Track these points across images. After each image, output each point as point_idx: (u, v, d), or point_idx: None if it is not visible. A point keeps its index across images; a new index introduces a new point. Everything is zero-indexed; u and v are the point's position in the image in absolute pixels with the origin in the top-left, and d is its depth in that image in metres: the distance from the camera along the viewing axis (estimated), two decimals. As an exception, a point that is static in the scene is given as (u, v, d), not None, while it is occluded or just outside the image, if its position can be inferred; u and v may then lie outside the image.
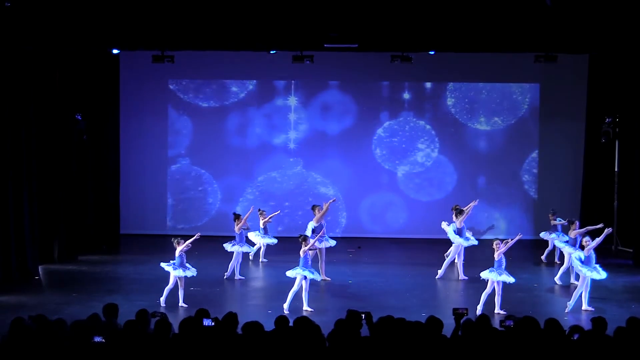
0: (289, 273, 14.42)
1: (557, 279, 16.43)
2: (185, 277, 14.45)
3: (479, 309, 13.66)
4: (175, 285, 14.38)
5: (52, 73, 17.89)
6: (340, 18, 16.06)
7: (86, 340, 8.12)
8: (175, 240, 14.65)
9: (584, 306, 14.24)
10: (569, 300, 14.41)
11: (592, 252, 14.40)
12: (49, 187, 17.93)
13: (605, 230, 14.76)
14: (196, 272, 14.69)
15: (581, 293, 14.29)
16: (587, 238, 14.64)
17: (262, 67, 21.18)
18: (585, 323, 12.65)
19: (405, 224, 21.98)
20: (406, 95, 21.80)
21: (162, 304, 14.24)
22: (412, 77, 21.34)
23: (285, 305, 14.03)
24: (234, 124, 21.87)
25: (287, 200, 21.63)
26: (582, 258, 14.54)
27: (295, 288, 14.18)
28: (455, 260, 17.78)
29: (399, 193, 21.94)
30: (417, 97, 21.81)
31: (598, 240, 14.46)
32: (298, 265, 14.38)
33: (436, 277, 16.82)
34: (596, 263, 14.48)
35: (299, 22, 16.33)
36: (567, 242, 16.69)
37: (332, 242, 17.06)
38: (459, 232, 17.05)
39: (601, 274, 14.36)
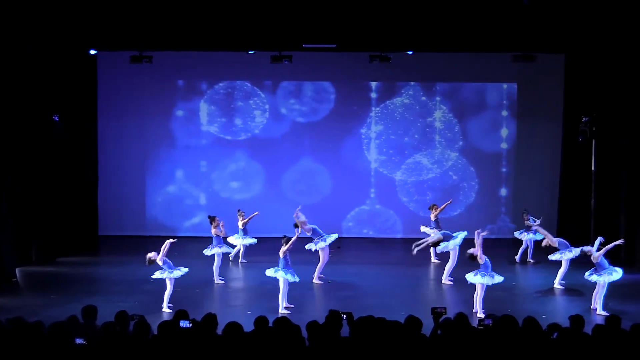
0: (269, 272, 14.42)
1: (557, 283, 16.23)
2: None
3: (480, 313, 13.66)
4: (162, 289, 14.30)
5: (29, 74, 17.76)
6: (319, 18, 16.08)
7: (64, 343, 8.09)
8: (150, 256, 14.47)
9: (599, 310, 14.08)
10: (593, 305, 14.25)
11: (602, 257, 14.19)
12: (27, 188, 17.82)
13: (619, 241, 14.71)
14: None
15: (604, 295, 14.19)
16: (587, 248, 14.40)
17: (243, 67, 21.17)
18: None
19: (385, 224, 22.03)
20: (380, 95, 21.82)
21: (167, 308, 14.14)
22: (388, 77, 21.37)
23: (280, 310, 14.00)
24: (217, 124, 21.81)
25: (265, 200, 21.63)
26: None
27: (282, 289, 14.19)
28: (433, 260, 17.85)
29: (374, 193, 21.99)
30: (390, 97, 21.83)
31: (608, 246, 14.27)
32: (278, 266, 14.36)
33: (442, 282, 16.59)
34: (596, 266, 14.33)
35: (278, 23, 16.35)
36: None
37: (333, 236, 16.80)
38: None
39: (618, 273, 14.19)
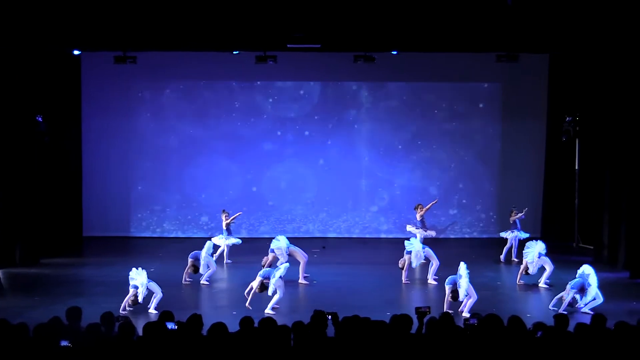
0: (271, 291, 14.17)
1: (542, 282, 16.13)
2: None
3: (465, 312, 13.69)
4: (150, 292, 14.24)
5: (13, 75, 17.66)
6: (303, 19, 16.09)
7: (48, 344, 8.05)
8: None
9: (585, 308, 14.01)
10: (578, 304, 14.16)
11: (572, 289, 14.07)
12: (10, 189, 17.72)
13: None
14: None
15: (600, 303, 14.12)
16: (567, 299, 14.06)
17: (228, 67, 21.14)
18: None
19: (368, 224, 22.05)
20: (364, 95, 21.82)
21: (153, 309, 14.02)
22: (372, 77, 21.32)
23: (266, 310, 13.95)
24: (202, 124, 21.73)
25: (250, 201, 21.63)
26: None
27: (279, 293, 14.16)
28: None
29: (360, 193, 22.00)
30: (376, 97, 21.83)
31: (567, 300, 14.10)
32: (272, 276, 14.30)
33: (428, 281, 16.59)
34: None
35: (262, 23, 16.34)
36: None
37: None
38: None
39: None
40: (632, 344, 8.27)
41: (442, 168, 21.91)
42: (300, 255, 16.63)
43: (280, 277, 14.20)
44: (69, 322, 9.44)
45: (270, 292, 14.08)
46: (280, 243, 16.59)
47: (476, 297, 13.88)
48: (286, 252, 16.50)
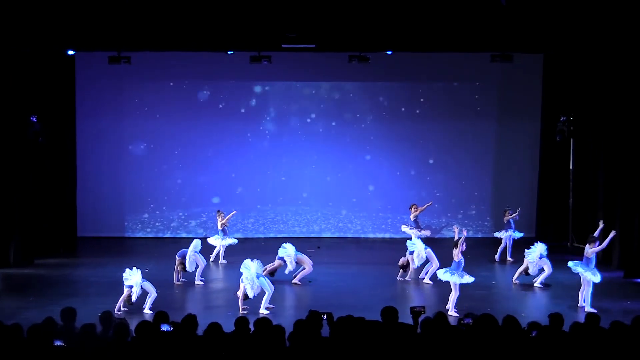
0: (252, 294, 14.21)
1: (537, 282, 16.18)
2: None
3: (451, 311, 13.73)
4: (145, 292, 14.23)
5: (7, 75, 17.63)
6: (298, 19, 16.10)
7: (43, 345, 8.04)
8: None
9: (587, 308, 14.09)
10: (580, 303, 14.33)
11: (594, 255, 14.31)
12: (4, 190, 17.69)
13: (611, 233, 14.32)
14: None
15: (591, 293, 14.18)
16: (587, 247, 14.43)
17: (219, 68, 21.10)
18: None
19: (362, 224, 22.04)
20: (358, 96, 21.79)
21: (148, 310, 14.01)
22: (366, 77, 21.31)
23: (261, 310, 13.93)
24: (196, 123, 21.69)
25: (245, 201, 21.63)
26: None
27: (268, 292, 14.17)
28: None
29: (355, 194, 21.99)
30: (371, 97, 21.83)
31: (604, 244, 14.25)
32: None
33: (423, 281, 16.61)
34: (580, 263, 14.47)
35: (257, 23, 16.34)
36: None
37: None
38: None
39: (597, 277, 14.32)
40: (627, 343, 8.28)
41: (437, 168, 21.90)
42: (308, 263, 16.62)
43: (259, 276, 14.09)
44: (63, 323, 9.42)
45: (251, 295, 13.99)
46: (288, 250, 16.50)
47: (458, 293, 14.13)
48: (294, 259, 16.47)
